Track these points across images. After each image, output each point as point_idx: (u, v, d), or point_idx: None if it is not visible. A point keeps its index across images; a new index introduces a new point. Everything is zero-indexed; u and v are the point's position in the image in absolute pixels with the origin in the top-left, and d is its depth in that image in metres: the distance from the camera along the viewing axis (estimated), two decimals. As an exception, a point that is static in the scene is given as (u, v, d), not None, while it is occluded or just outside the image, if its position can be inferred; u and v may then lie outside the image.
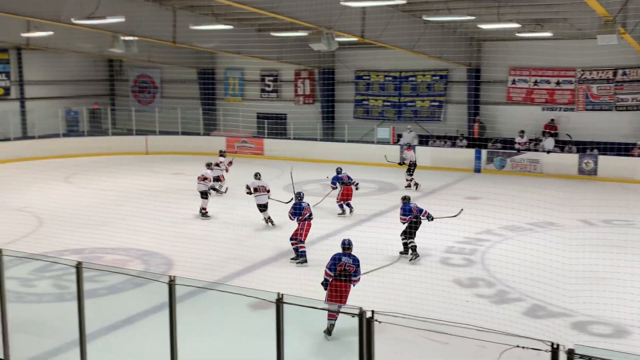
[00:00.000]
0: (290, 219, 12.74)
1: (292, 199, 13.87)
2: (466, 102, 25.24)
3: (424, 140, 25.67)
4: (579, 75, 23.44)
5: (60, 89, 31.28)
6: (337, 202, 16.43)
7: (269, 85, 30.09)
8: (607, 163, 21.69)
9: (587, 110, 23.46)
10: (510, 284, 11.04)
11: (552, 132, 23.50)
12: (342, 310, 5.60)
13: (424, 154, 24.70)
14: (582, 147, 22.61)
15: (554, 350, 4.88)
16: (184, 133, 29.30)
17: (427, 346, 8.26)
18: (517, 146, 23.42)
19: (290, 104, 29.34)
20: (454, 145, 24.90)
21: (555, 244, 11.78)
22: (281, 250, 13.02)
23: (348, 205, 16.36)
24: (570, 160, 22.39)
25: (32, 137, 27.92)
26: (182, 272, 10.79)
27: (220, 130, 29.93)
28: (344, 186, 16.41)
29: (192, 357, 7.90)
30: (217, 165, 19.21)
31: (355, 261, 9.11)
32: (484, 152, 23.57)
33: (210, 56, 29.97)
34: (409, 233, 12.69)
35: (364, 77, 27.62)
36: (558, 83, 23.87)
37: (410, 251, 12.62)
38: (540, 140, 23.43)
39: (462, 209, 13.45)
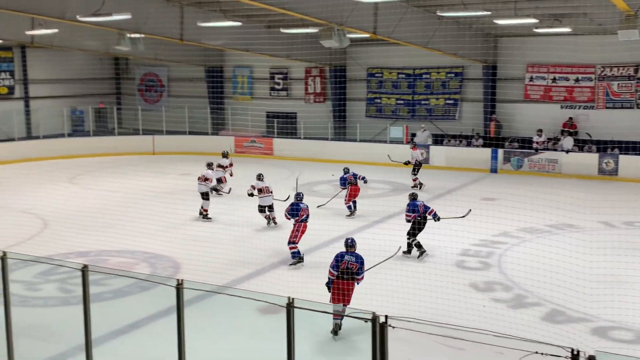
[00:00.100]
0: (287, 217, 12.84)
1: (288, 197, 14.12)
2: (482, 100, 25.15)
3: (438, 140, 25.60)
4: (598, 72, 23.29)
5: (65, 88, 31.45)
6: (346, 203, 16.57)
7: (278, 84, 30.11)
8: (629, 163, 21.55)
9: (607, 108, 23.30)
10: (528, 288, 11.00)
11: (571, 131, 23.38)
12: (354, 315, 5.57)
13: (438, 154, 24.68)
14: (603, 147, 22.47)
15: (574, 357, 4.85)
16: (191, 133, 29.39)
17: (442, 352, 8.23)
18: (535, 145, 23.31)
19: (301, 103, 29.35)
20: (469, 144, 24.82)
21: (575, 247, 11.73)
22: (288, 254, 13.01)
23: (353, 203, 16.54)
24: (590, 160, 22.25)
25: (37, 137, 28.07)
26: (190, 275, 10.82)
27: (229, 129, 29.98)
28: (351, 186, 16.57)
29: (200, 362, 7.91)
30: (220, 166, 19.30)
31: (359, 259, 9.24)
32: (500, 151, 23.48)
33: (219, 54, 30.04)
34: (412, 232, 12.84)
35: (377, 75, 27.58)
36: (577, 80, 23.73)
37: (415, 249, 12.78)
38: (559, 140, 23.31)
39: (470, 210, 13.53)
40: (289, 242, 12.54)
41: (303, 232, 12.54)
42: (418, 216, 12.88)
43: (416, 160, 20.29)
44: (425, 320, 6.12)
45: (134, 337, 9.31)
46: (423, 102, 26.66)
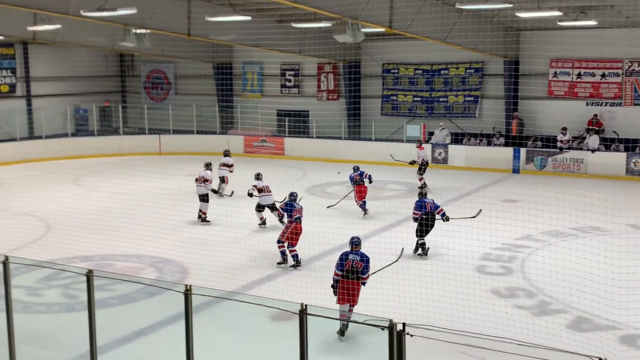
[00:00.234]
0: (280, 214, 13.02)
1: (285, 198, 14.37)
2: (503, 96, 25.05)
3: (457, 139, 25.53)
4: (626, 67, 23.13)
5: (69, 86, 31.65)
6: (357, 203, 16.77)
7: (289, 80, 30.14)
8: (659, 162, 21.40)
9: (635, 105, 23.13)
10: (552, 294, 10.94)
11: (597, 129, 23.23)
12: (371, 322, 5.57)
13: (457, 153, 24.61)
14: (631, 145, 22.31)
15: (602, 367, 4.82)
16: (199, 132, 29.47)
17: (463, 361, 8.20)
18: (559, 144, 23.19)
19: (313, 100, 29.35)
20: (490, 143, 24.73)
21: (602, 251, 11.65)
22: (303, 257, 13.02)
23: (363, 204, 16.74)
24: (617, 159, 22.11)
25: (39, 137, 28.25)
26: (198, 280, 10.86)
27: (238, 128, 30.05)
28: (357, 185, 16.80)
29: (209, 371, 7.94)
30: (225, 165, 19.39)
31: (364, 258, 9.38)
32: (522, 151, 23.38)
33: (227, 49, 30.11)
34: (419, 231, 13.02)
35: (392, 71, 27.54)
36: (603, 75, 23.57)
37: (420, 249, 13.06)
38: (584, 138, 23.17)
39: (480, 210, 13.62)
40: (278, 241, 12.75)
41: (297, 233, 12.65)
42: (425, 215, 13.06)
43: (422, 159, 20.25)
44: (445, 328, 6.10)
45: (141, 344, 9.34)
46: (441, 99, 26.59)
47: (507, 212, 14.07)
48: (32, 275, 11.66)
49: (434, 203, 13.38)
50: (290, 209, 12.80)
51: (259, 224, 15.76)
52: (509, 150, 23.62)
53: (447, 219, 13.33)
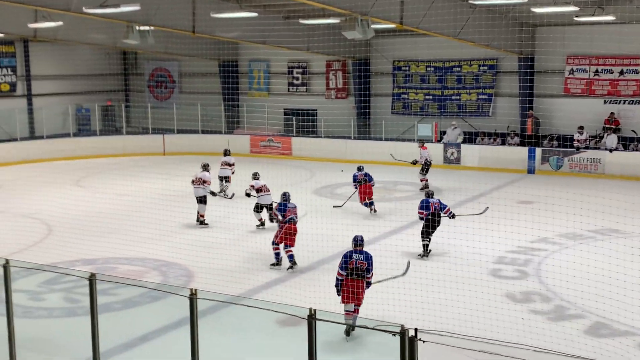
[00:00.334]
0: (275, 215, 13.14)
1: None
2: (518, 94, 24.98)
3: (471, 138, 25.46)
4: (646, 64, 23.05)
5: (71, 85, 31.77)
6: (361, 203, 17.11)
7: (297, 78, 30.16)
8: (679, 162, 21.31)
9: (655, 102, 23.07)
10: (569, 299, 10.90)
11: (614, 127, 23.14)
12: (382, 328, 5.56)
13: (470, 153, 24.57)
14: (651, 145, 22.24)
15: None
16: (204, 131, 29.52)
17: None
18: (575, 144, 23.11)
19: (321, 99, 29.36)
20: (504, 143, 24.67)
21: (621, 254, 11.62)
22: (311, 261, 13.03)
23: (371, 204, 16.98)
24: (636, 159, 22.05)
25: (40, 137, 28.37)
26: (204, 284, 10.86)
27: (244, 128, 30.08)
28: (361, 185, 17.07)
29: (215, 378, 7.94)
30: (227, 164, 19.54)
31: (368, 257, 9.59)
32: (538, 150, 23.31)
33: (233, 47, 30.15)
34: (425, 231, 13.23)
35: (403, 68, 27.51)
36: (622, 73, 23.47)
37: (422, 249, 13.27)
38: (602, 137, 23.09)
39: (487, 207, 13.94)
40: (272, 243, 12.86)
41: (292, 233, 12.74)
42: (430, 215, 13.21)
43: (425, 159, 20.26)
44: (458, 334, 6.08)
45: (145, 350, 9.35)
46: (454, 97, 26.54)
47: (522, 214, 14.04)
48: (33, 279, 11.70)
49: (440, 203, 13.55)
50: (283, 209, 12.90)
51: (257, 226, 15.83)
52: (524, 150, 23.56)
53: (453, 216, 13.66)
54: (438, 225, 13.44)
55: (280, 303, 7.47)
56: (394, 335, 5.54)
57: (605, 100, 23.87)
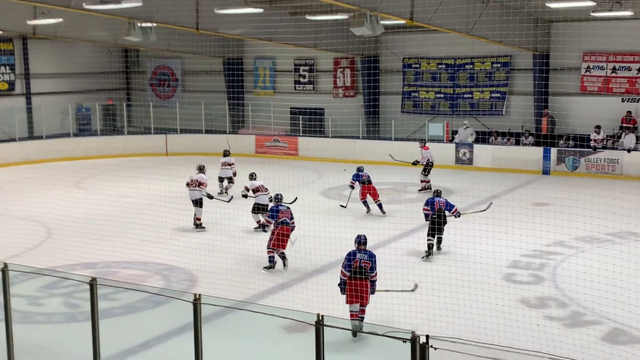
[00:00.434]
0: (268, 222, 13.29)
1: (296, 199, 15.28)
2: (533, 93, 24.92)
3: (484, 137, 25.42)
4: (665, 61, 22.99)
5: (70, 83, 31.86)
6: (361, 200, 17.53)
7: (304, 76, 30.17)
8: (700, 163, 21.23)
9: (675, 101, 22.99)
10: (586, 305, 10.87)
11: (632, 126, 23.06)
12: (392, 334, 5.55)
13: (483, 154, 24.52)
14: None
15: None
16: (207, 131, 29.56)
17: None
18: (592, 144, 23.04)
19: (329, 97, 29.36)
20: (518, 143, 24.62)
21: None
22: (319, 264, 13.03)
23: (380, 206, 17.34)
24: (655, 159, 21.97)
25: (40, 137, 28.45)
26: (207, 289, 10.88)
27: (249, 127, 30.11)
28: (364, 185, 17.43)
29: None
30: (228, 164, 19.77)
31: (371, 257, 9.77)
32: (553, 150, 23.25)
33: (238, 44, 30.16)
34: (430, 230, 13.54)
35: (414, 66, 27.49)
36: (640, 70, 23.45)
37: (427, 248, 13.54)
38: (620, 137, 23.01)
39: (491, 203, 14.31)
40: (267, 247, 12.99)
41: (283, 234, 12.84)
42: (434, 214, 13.53)
43: (427, 160, 20.28)
44: (471, 341, 6.07)
45: (147, 357, 9.37)
46: (466, 95, 26.50)
47: (537, 217, 14.01)
48: (32, 284, 11.71)
49: (447, 203, 13.84)
50: (275, 213, 13.00)
51: (255, 228, 15.90)
52: (539, 150, 23.50)
53: (459, 215, 13.96)
54: (444, 225, 13.67)
55: (287, 309, 7.45)
56: (405, 342, 5.53)
57: (622, 99, 23.80)
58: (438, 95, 27.07)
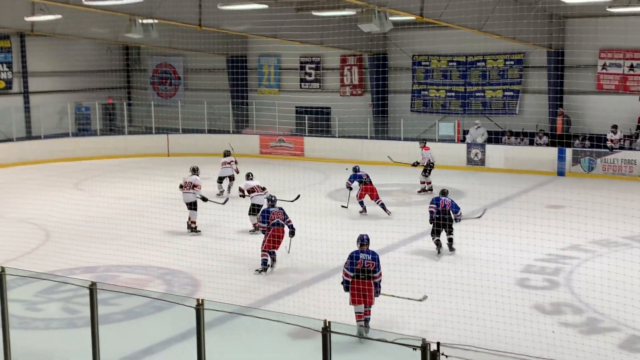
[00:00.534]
0: (261, 227, 13.39)
1: (298, 196, 15.66)
2: (547, 91, 24.89)
3: (497, 137, 25.37)
4: (685, 58, 22.93)
5: (70, 82, 31.94)
6: (358, 199, 17.67)
7: (310, 74, 30.18)
8: None
9: (695, 99, 22.93)
10: (602, 311, 10.83)
11: (648, 126, 23.05)
12: (402, 342, 5.54)
13: (496, 154, 24.48)
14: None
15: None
16: (210, 131, 29.60)
17: (503, 385, 8.15)
18: (609, 144, 22.98)
19: (336, 96, 29.37)
20: (532, 143, 24.58)
21: (659, 262, 11.52)
22: (325, 269, 13.02)
23: (382, 206, 17.49)
24: (675, 160, 21.91)
25: (38, 137, 28.53)
26: (211, 294, 10.86)
27: (253, 127, 30.14)
28: (364, 184, 17.58)
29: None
30: (229, 163, 20.00)
31: (375, 257, 9.87)
32: (568, 151, 23.20)
33: (242, 41, 30.21)
34: (436, 227, 13.80)
35: (423, 63, 27.48)
36: (659, 67, 23.40)
37: (435, 247, 13.91)
38: (637, 137, 22.95)
39: (485, 209, 14.51)
40: (262, 250, 13.08)
41: (276, 236, 12.97)
42: (438, 213, 13.77)
43: (428, 160, 20.29)
44: (483, 348, 6.05)
45: (148, 364, 9.38)
46: (477, 94, 26.47)
47: (551, 219, 13.94)
48: (29, 288, 11.74)
49: (452, 204, 14.09)
50: (266, 215, 13.13)
51: (250, 230, 15.93)
52: (554, 151, 23.44)
53: (459, 220, 14.19)
54: (450, 224, 13.92)
55: (293, 314, 7.44)
56: (415, 349, 5.52)
57: (640, 97, 23.77)
58: (449, 94, 27.04)
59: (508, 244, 12.86)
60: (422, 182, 20.49)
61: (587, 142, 23.46)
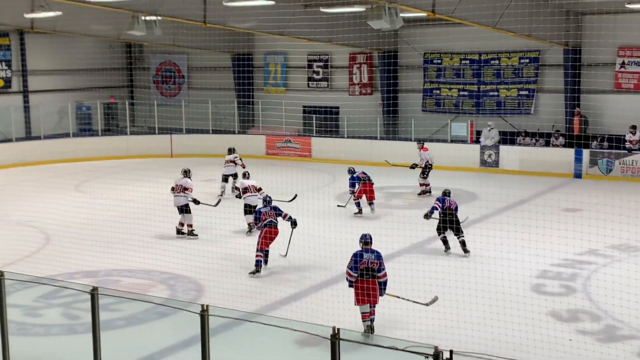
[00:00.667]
0: (257, 228, 13.46)
1: (295, 196, 16.09)
2: (563, 90, 24.85)
3: (511, 138, 25.34)
4: None
5: (70, 80, 32.03)
6: (355, 200, 17.99)
7: (317, 73, 30.21)
8: None
9: None
10: (621, 318, 10.80)
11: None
12: (414, 350, 5.54)
13: (510, 156, 24.43)
14: None
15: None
16: (215, 131, 29.64)
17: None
18: (627, 145, 22.93)
19: (344, 95, 29.38)
20: (548, 144, 24.54)
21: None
22: (334, 273, 13.02)
23: (371, 203, 17.87)
24: (696, 162, 21.85)
25: (38, 138, 28.62)
26: (215, 299, 10.89)
27: (259, 127, 30.17)
28: (363, 184, 17.86)
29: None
30: (232, 161, 20.12)
31: (378, 256, 10.06)
32: (586, 152, 23.15)
33: (248, 38, 30.27)
34: (442, 227, 14.22)
35: (435, 61, 27.47)
36: (680, 65, 23.34)
37: (443, 244, 14.31)
38: (658, 138, 22.91)
39: (467, 217, 14.93)
40: (257, 250, 13.21)
41: (268, 237, 13.08)
42: (444, 211, 14.12)
43: (426, 162, 20.29)
44: (497, 356, 6.04)
45: (150, 372, 9.40)
46: (491, 93, 26.44)
47: (568, 223, 13.93)
48: (29, 293, 11.77)
49: (457, 206, 14.44)
50: (258, 217, 13.31)
51: (247, 232, 16.01)
52: (570, 152, 23.41)
53: (459, 223, 14.38)
54: (457, 227, 14.11)
55: (300, 321, 7.43)
56: (427, 357, 5.52)
57: (660, 97, 23.72)
58: (461, 93, 27.01)
59: (523, 249, 12.86)
60: (421, 185, 20.46)
61: (605, 143, 23.39)
